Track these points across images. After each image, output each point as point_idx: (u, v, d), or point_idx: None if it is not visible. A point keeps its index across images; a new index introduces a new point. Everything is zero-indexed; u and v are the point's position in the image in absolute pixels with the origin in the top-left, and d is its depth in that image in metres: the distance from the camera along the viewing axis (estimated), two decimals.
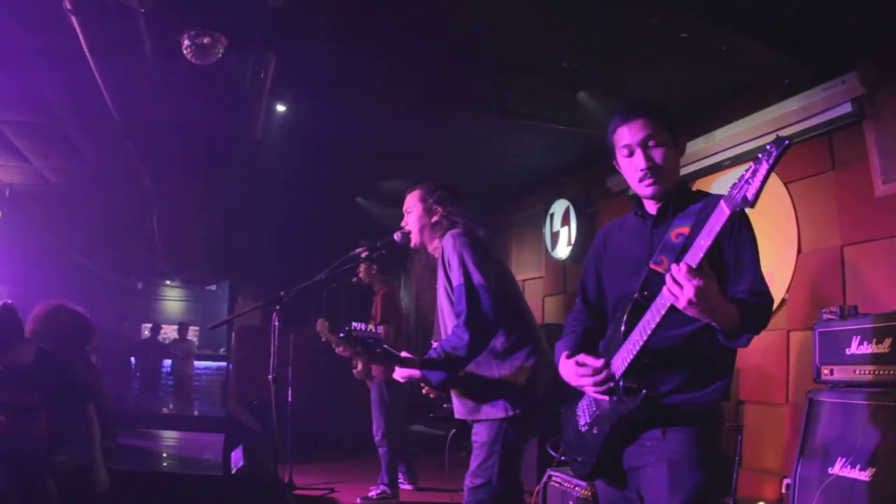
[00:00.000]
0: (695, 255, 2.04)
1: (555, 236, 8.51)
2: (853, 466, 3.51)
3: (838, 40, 4.82)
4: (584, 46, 5.18)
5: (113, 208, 9.97)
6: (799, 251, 5.16)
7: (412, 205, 3.69)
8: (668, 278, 2.03)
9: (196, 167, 7.83)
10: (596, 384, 2.34)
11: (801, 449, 3.92)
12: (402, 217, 3.76)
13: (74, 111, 6.44)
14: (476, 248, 3.41)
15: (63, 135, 7.17)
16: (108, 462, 4.72)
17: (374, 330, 3.33)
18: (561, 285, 8.63)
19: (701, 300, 1.97)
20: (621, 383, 2.30)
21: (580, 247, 7.95)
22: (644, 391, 2.22)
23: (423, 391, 3.67)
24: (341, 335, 3.40)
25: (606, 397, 2.37)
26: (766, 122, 5.36)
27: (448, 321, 3.49)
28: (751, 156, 5.55)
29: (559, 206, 8.46)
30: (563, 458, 4.11)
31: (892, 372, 3.57)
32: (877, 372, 3.65)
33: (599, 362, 2.35)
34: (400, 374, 3.35)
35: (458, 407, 3.49)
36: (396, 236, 3.71)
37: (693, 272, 1.97)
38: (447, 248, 3.44)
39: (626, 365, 2.27)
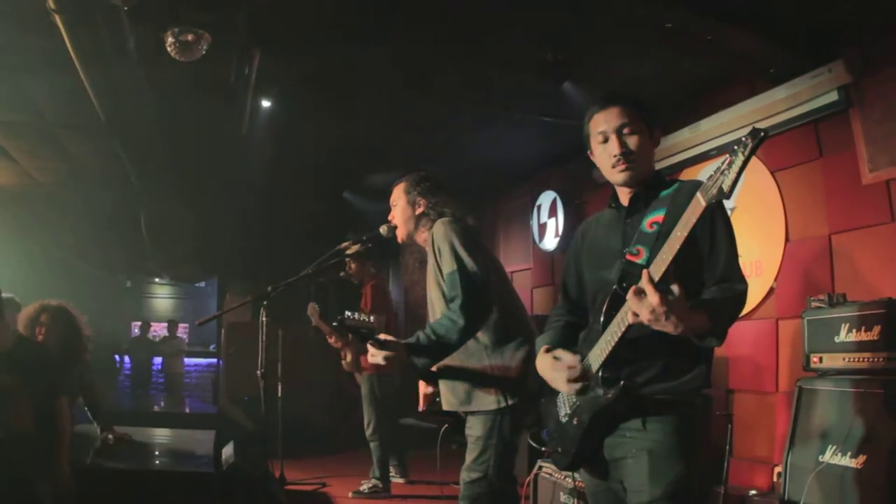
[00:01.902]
0: (671, 248, 2.07)
1: (542, 228, 8.50)
2: (844, 454, 3.53)
3: (824, 29, 4.81)
4: (569, 37, 5.16)
5: (101, 206, 9.91)
6: (787, 240, 5.17)
7: (397, 198, 3.69)
8: (629, 297, 2.06)
9: (182, 164, 7.80)
10: (569, 380, 2.35)
11: (791, 437, 3.94)
12: (389, 211, 3.75)
13: (60, 111, 6.40)
14: (465, 235, 3.41)
15: (49, 134, 7.13)
16: (105, 456, 4.72)
17: (367, 320, 3.31)
18: (549, 277, 8.63)
19: (668, 317, 2.01)
20: (600, 374, 2.31)
21: (567, 238, 7.91)
22: (622, 381, 2.24)
23: (422, 397, 3.69)
24: (334, 324, 3.38)
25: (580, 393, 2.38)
26: (752, 112, 5.36)
27: (438, 310, 3.48)
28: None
29: (546, 198, 8.44)
30: (543, 449, 4.12)
31: (880, 359, 3.60)
32: (865, 359, 3.68)
33: (574, 358, 2.38)
34: (380, 354, 3.26)
35: (449, 398, 3.47)
36: (382, 230, 3.70)
37: (652, 291, 2.00)
38: (437, 235, 3.43)
39: (604, 356, 2.28)
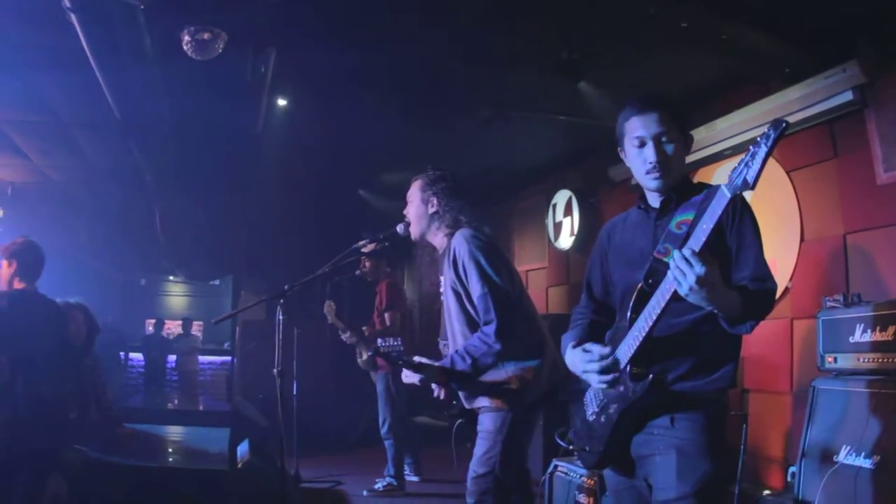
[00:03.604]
0: (697, 240, 2.09)
1: (557, 227, 8.50)
2: (858, 454, 3.52)
3: (839, 28, 4.77)
4: (583, 37, 5.17)
5: (115, 205, 9.97)
6: (802, 239, 5.15)
7: (412, 194, 3.70)
8: (671, 264, 2.07)
9: (198, 163, 7.84)
10: (601, 371, 2.36)
11: (805, 437, 3.93)
12: (404, 209, 3.77)
13: (75, 110, 6.45)
14: (491, 252, 3.42)
15: (64, 133, 7.17)
16: (118, 452, 4.78)
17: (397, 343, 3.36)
18: (564, 276, 8.63)
19: (703, 286, 2.02)
20: (627, 369, 2.31)
21: (583, 237, 7.95)
22: (651, 375, 2.24)
23: (435, 394, 3.70)
24: (370, 353, 3.46)
25: (610, 386, 2.39)
26: (767, 111, 5.33)
27: (456, 322, 3.51)
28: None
29: (561, 197, 8.45)
30: (570, 447, 4.13)
31: (895, 359, 3.58)
32: (880, 360, 3.66)
33: (605, 349, 2.38)
34: (415, 377, 3.35)
35: (468, 398, 3.52)
36: (399, 228, 3.72)
37: (696, 257, 2.01)
38: (460, 251, 3.43)
39: (632, 352, 2.29)
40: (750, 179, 1.98)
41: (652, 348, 2.27)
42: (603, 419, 2.43)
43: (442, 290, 3.64)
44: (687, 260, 2.02)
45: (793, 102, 5.13)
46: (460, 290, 3.45)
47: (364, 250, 4.05)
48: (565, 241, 8.33)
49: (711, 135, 5.86)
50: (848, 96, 4.79)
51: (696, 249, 2.05)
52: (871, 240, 4.70)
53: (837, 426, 3.75)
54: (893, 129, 4.57)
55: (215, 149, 7.45)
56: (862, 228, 4.77)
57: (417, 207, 3.67)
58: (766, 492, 4.37)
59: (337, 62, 5.39)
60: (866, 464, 3.45)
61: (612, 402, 2.39)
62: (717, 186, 2.38)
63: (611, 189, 7.51)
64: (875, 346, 3.70)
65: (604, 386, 2.41)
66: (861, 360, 3.76)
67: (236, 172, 8.37)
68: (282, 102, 6.04)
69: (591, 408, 2.53)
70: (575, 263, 8.33)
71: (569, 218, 8.27)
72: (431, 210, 3.62)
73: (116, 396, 10.23)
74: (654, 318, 2.20)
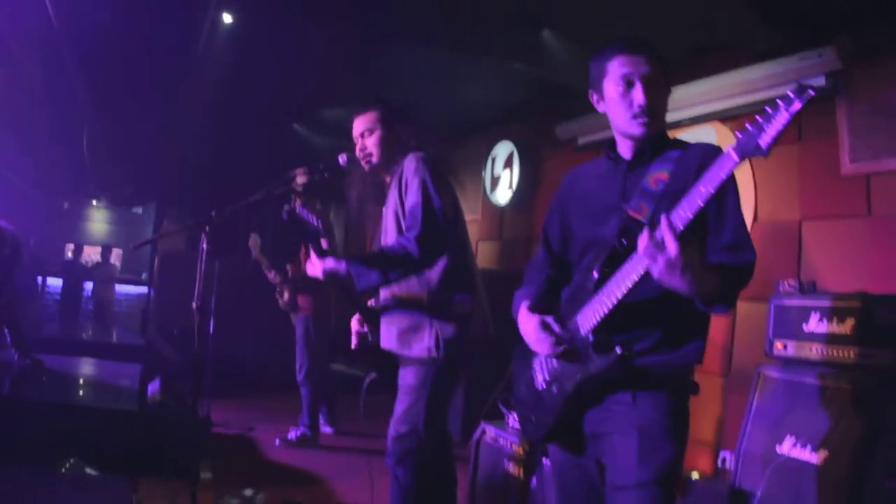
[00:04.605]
0: (691, 205, 1.85)
1: (495, 180, 8.23)
2: (803, 447, 3.39)
3: (820, 11, 4.63)
4: None
5: (44, 121, 9.45)
6: (755, 219, 5.01)
7: (371, 126, 3.46)
8: (641, 241, 1.84)
9: (131, 79, 7.40)
10: (557, 355, 2.14)
11: (746, 424, 3.80)
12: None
13: (11, 16, 5.96)
14: (437, 173, 3.27)
15: None
16: (26, 387, 4.54)
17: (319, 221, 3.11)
18: (497, 231, 8.39)
19: (677, 270, 1.81)
20: (590, 338, 2.07)
21: (522, 193, 7.73)
22: (618, 349, 2.00)
23: (353, 334, 3.51)
24: (284, 214, 3.23)
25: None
26: (731, 85, 5.17)
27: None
28: (714, 117, 5.42)
29: (502, 149, 8.15)
30: (512, 414, 3.95)
31: (850, 353, 3.45)
32: (834, 352, 3.53)
33: (564, 332, 2.16)
34: (319, 266, 3.10)
35: (387, 336, 3.31)
36: (342, 159, 3.47)
37: (672, 237, 1.79)
38: (408, 168, 3.27)
39: (598, 319, 2.05)
40: (763, 145, 1.77)
41: (618, 315, 2.05)
42: (555, 389, 2.19)
43: (383, 221, 3.46)
44: (659, 243, 1.81)
45: (760, 80, 4.97)
46: (400, 210, 3.29)
47: (298, 180, 3.79)
48: (502, 195, 8.07)
49: (670, 102, 5.66)
50: (820, 81, 4.62)
51: (681, 224, 1.84)
52: (828, 229, 4.59)
53: (782, 416, 3.61)
54: (865, 121, 4.45)
55: (152, 66, 7.02)
56: (819, 216, 4.65)
57: (383, 139, 3.46)
58: (695, 475, 4.24)
59: None
60: (812, 458, 3.33)
61: (567, 372, 2.16)
62: (700, 146, 2.20)
63: (555, 148, 7.27)
64: (830, 338, 3.57)
65: (554, 358, 2.19)
66: (814, 350, 3.63)
67: (170, 93, 7.90)
68: (227, 19, 5.63)
69: (541, 374, 2.28)
70: (510, 219, 8.11)
71: (508, 171, 8.01)
72: (397, 140, 3.45)
73: (31, 324, 9.89)
74: (630, 283, 1.96)
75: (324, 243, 3.23)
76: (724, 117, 5.34)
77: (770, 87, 4.92)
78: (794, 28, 4.75)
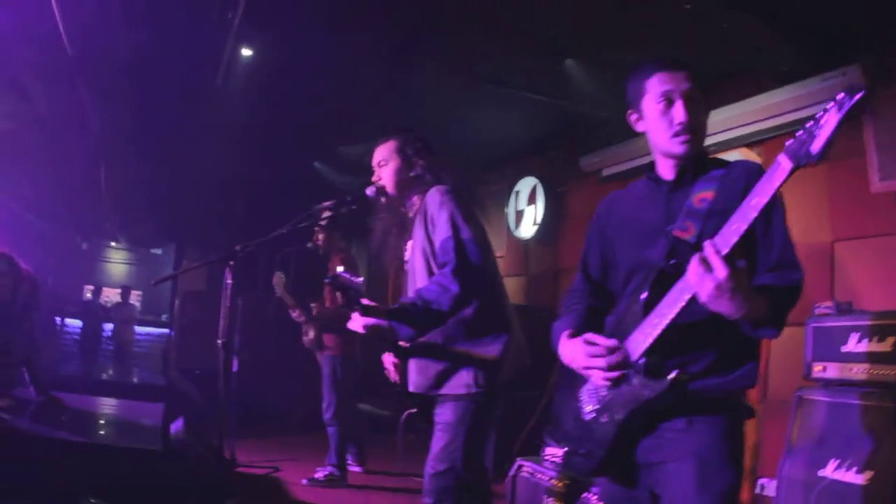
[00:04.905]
0: (744, 217, 1.78)
1: (519, 215, 8.20)
2: (848, 469, 3.29)
3: (843, 31, 4.62)
4: (572, 15, 4.90)
5: (61, 159, 9.48)
6: None
7: (388, 156, 3.38)
8: (691, 266, 1.78)
9: (149, 114, 7.42)
10: (608, 366, 2.04)
11: (787, 449, 3.70)
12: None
13: (25, 45, 5.99)
14: (464, 206, 3.16)
15: (11, 75, 6.73)
16: (45, 423, 4.47)
17: (359, 281, 3.02)
18: (522, 266, 8.34)
19: (726, 293, 1.75)
20: (642, 362, 1.99)
21: (547, 226, 7.71)
22: (674, 371, 1.92)
23: (386, 370, 3.42)
24: (327, 280, 3.11)
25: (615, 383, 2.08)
26: (758, 109, 5.17)
27: (420, 284, 3.20)
28: (741, 142, 5.39)
29: (525, 184, 8.14)
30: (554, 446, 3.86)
31: (893, 372, 3.36)
32: (875, 371, 3.44)
33: (612, 341, 2.05)
34: (361, 322, 3.00)
35: (417, 378, 3.21)
36: (370, 191, 3.39)
37: (719, 260, 1.74)
38: (432, 203, 3.17)
39: (649, 342, 1.96)
40: (814, 151, 1.68)
41: (673, 338, 1.96)
42: (605, 419, 2.09)
43: (408, 257, 3.36)
44: (707, 262, 1.74)
45: (786, 102, 4.99)
46: (428, 249, 3.18)
47: (324, 214, 3.72)
48: (526, 230, 8.05)
49: None
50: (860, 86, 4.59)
51: (733, 240, 1.78)
52: (860, 248, 4.54)
53: (824, 439, 3.52)
54: (891, 138, 4.41)
55: (169, 100, 7.02)
56: (851, 237, 4.61)
57: (399, 170, 3.36)
58: None
59: (308, 17, 5.05)
60: (857, 480, 3.23)
61: (618, 399, 2.06)
62: (743, 164, 2.14)
63: (579, 180, 7.26)
64: (871, 357, 3.48)
65: (607, 383, 2.10)
66: (854, 370, 3.54)
67: (189, 130, 7.92)
68: (246, 53, 5.65)
69: (588, 404, 2.18)
70: (535, 255, 8.07)
71: (532, 206, 7.99)
72: (414, 172, 3.34)
73: (49, 363, 9.86)
74: (682, 303, 1.89)
75: (365, 301, 3.13)
76: (751, 142, 5.32)
77: (795, 110, 4.94)
78: (818, 48, 4.72)
